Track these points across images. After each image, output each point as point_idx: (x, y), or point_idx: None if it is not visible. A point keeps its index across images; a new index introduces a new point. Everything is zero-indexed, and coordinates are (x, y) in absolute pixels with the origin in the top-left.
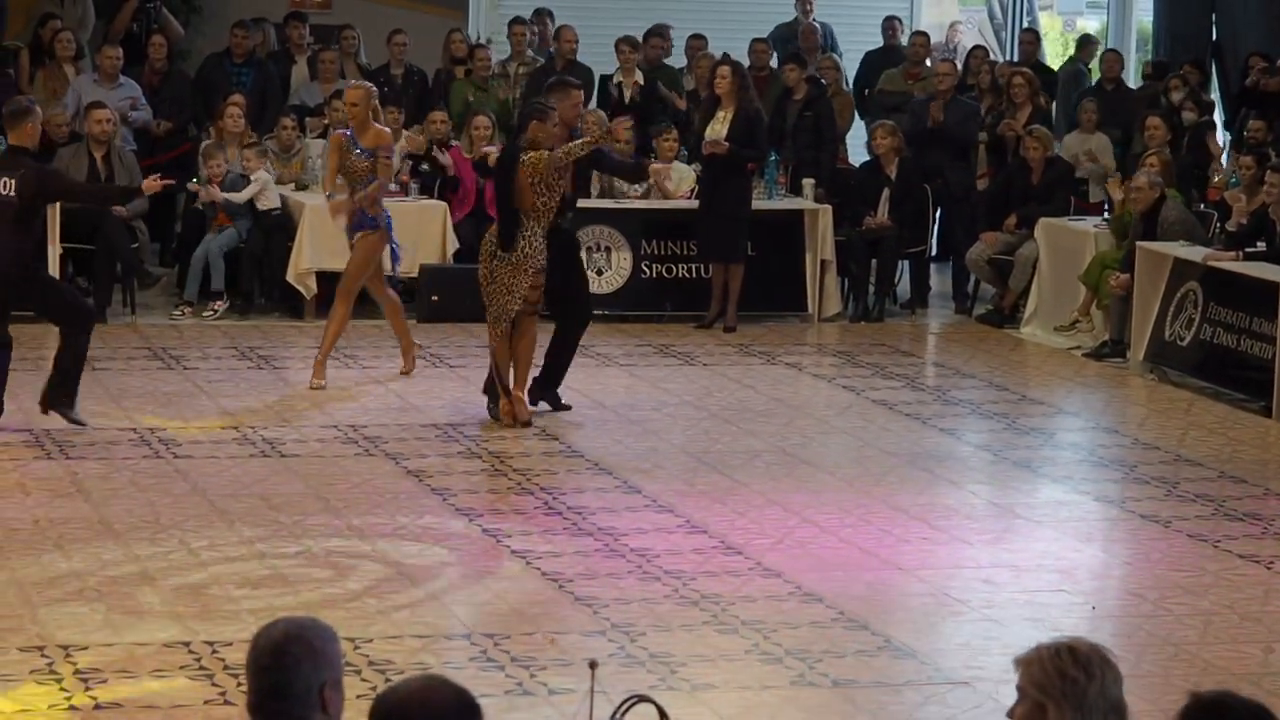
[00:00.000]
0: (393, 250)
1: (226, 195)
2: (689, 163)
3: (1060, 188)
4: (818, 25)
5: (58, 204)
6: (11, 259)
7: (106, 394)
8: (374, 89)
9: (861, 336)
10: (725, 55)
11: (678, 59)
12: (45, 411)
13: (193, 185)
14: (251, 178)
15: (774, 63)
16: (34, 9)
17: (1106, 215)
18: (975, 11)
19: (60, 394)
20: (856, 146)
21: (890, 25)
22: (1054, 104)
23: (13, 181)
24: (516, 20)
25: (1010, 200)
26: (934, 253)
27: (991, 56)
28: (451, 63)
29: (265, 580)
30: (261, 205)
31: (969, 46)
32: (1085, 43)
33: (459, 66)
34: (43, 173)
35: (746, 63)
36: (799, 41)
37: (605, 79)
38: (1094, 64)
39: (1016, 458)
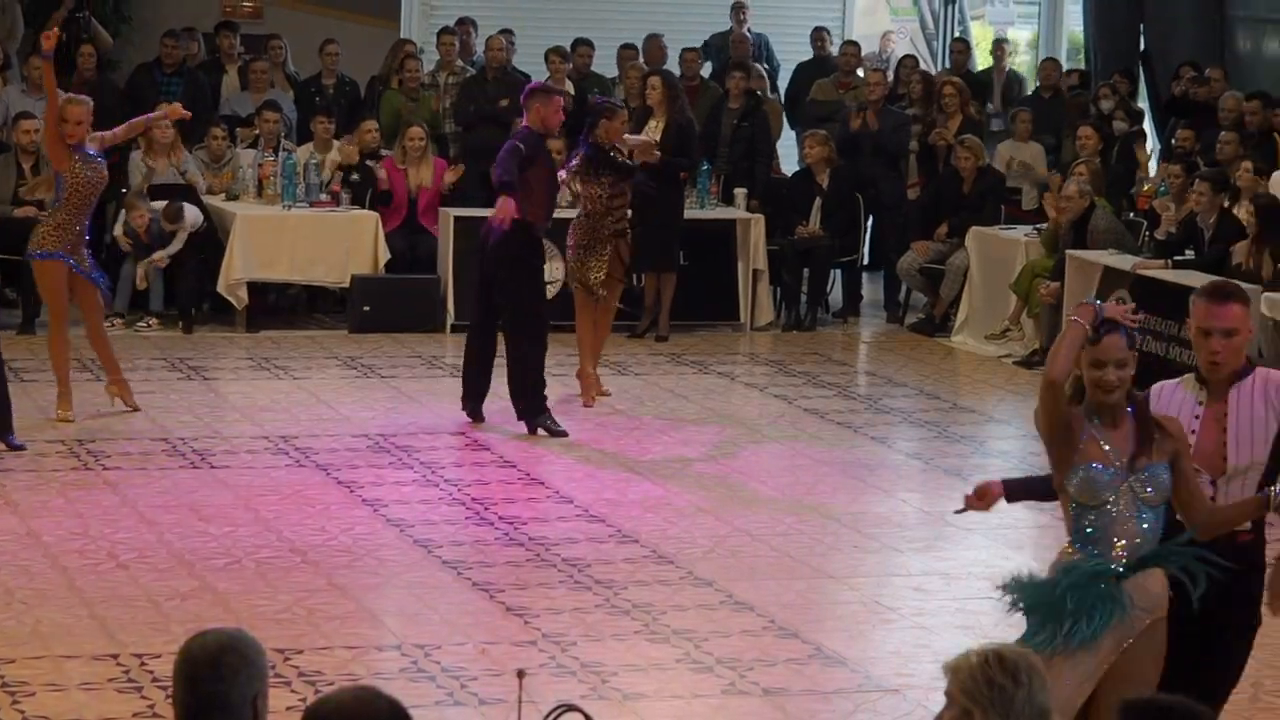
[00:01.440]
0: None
1: (153, 256)
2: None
3: (991, 197)
4: (750, 35)
5: None
6: None
7: (35, 406)
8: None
9: (794, 345)
10: (656, 68)
11: (607, 68)
12: None
13: (119, 239)
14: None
15: (704, 72)
16: None
17: (1038, 227)
18: (907, 21)
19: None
20: (788, 156)
21: (819, 36)
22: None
23: None
24: (445, 30)
25: (941, 209)
26: (866, 262)
27: (923, 66)
28: (394, 73)
29: (195, 592)
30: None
31: (900, 55)
32: (996, 47)
33: (392, 76)
34: None
35: (677, 72)
36: (731, 51)
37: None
38: (1012, 68)
39: (947, 465)
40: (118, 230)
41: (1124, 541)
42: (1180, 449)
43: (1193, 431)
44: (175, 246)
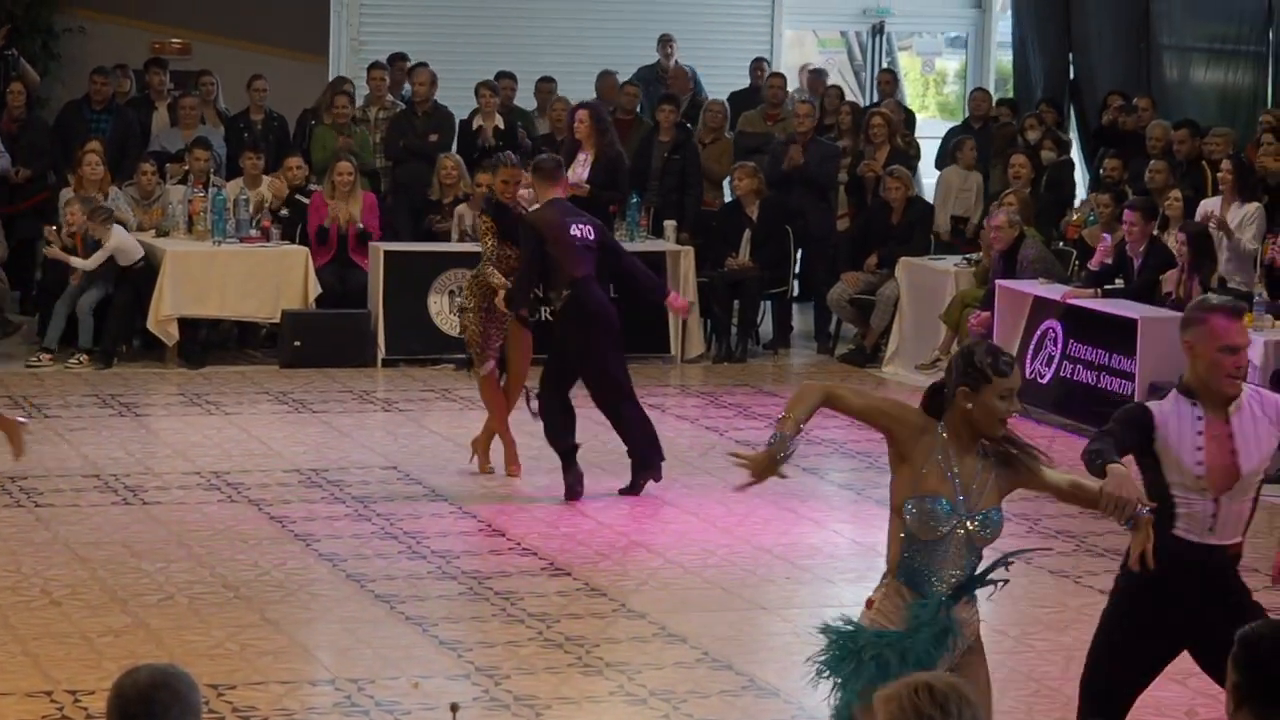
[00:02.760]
0: None
1: (72, 259)
2: None
3: (920, 227)
4: (688, 68)
5: None
6: None
7: None
8: None
9: (724, 377)
10: (584, 102)
11: (528, 101)
12: None
13: (48, 232)
14: (101, 241)
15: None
16: None
17: (968, 256)
18: (835, 53)
19: None
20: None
21: (758, 66)
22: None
23: None
24: (375, 65)
25: (871, 240)
26: (796, 293)
27: (850, 97)
28: (316, 110)
29: (128, 628)
30: (122, 262)
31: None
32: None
33: (324, 113)
34: None
35: (608, 104)
36: (668, 84)
37: (465, 123)
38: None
39: (880, 496)
40: (50, 235)
41: (950, 576)
42: (1032, 467)
43: (1199, 448)
44: (93, 264)
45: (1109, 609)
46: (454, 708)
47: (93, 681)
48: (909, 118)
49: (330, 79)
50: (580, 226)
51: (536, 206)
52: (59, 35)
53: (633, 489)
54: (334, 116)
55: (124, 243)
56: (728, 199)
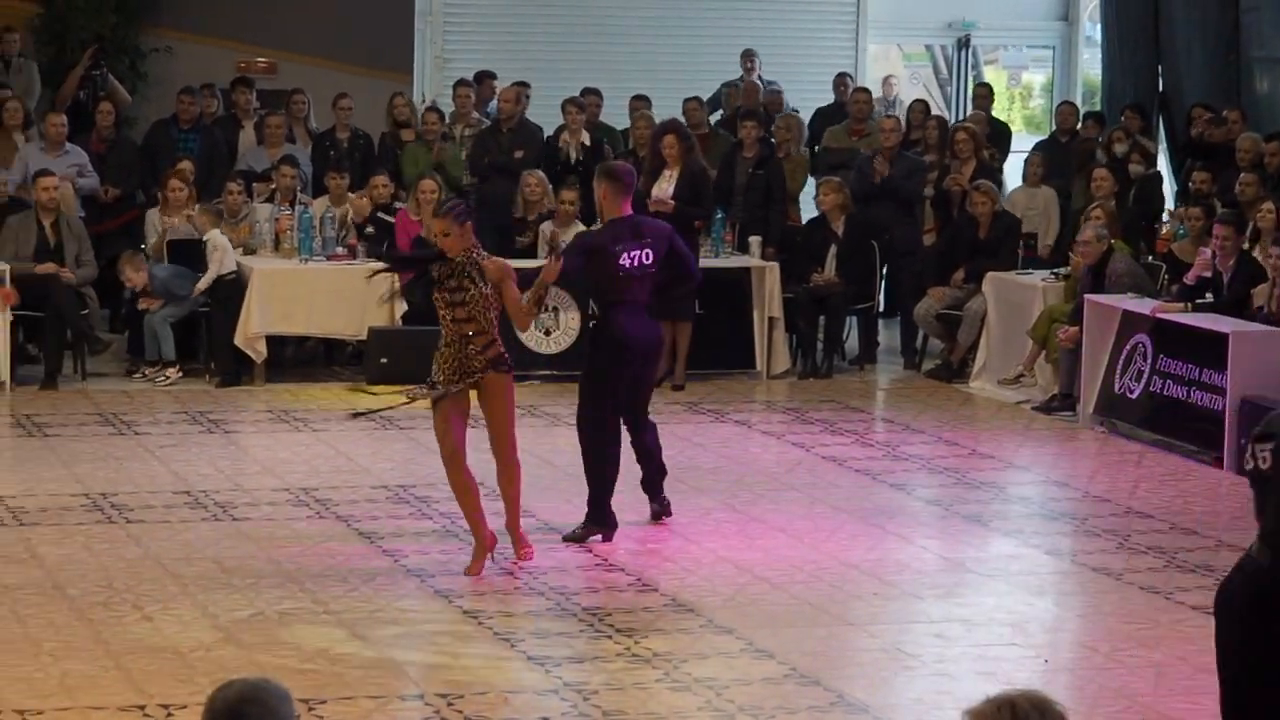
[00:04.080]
0: None
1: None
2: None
3: (1008, 241)
4: (760, 83)
5: (8, 270)
6: None
7: (59, 460)
8: None
9: (810, 393)
10: (667, 123)
11: (616, 119)
12: None
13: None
14: (205, 238)
15: (711, 120)
16: None
17: (1056, 271)
18: (920, 67)
19: None
20: (810, 203)
21: (841, 81)
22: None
23: None
24: (461, 82)
25: (957, 255)
26: (882, 308)
27: (935, 111)
28: (395, 126)
29: (219, 643)
30: (223, 269)
31: (906, 101)
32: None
33: (403, 129)
34: None
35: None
36: (742, 100)
37: (551, 139)
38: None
39: (967, 512)
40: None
41: None
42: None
43: None
44: (205, 284)
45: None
46: None
47: (184, 695)
48: (1003, 132)
49: (417, 97)
50: (633, 254)
51: (597, 226)
52: (146, 55)
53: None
54: (423, 133)
55: (228, 246)
56: (803, 214)
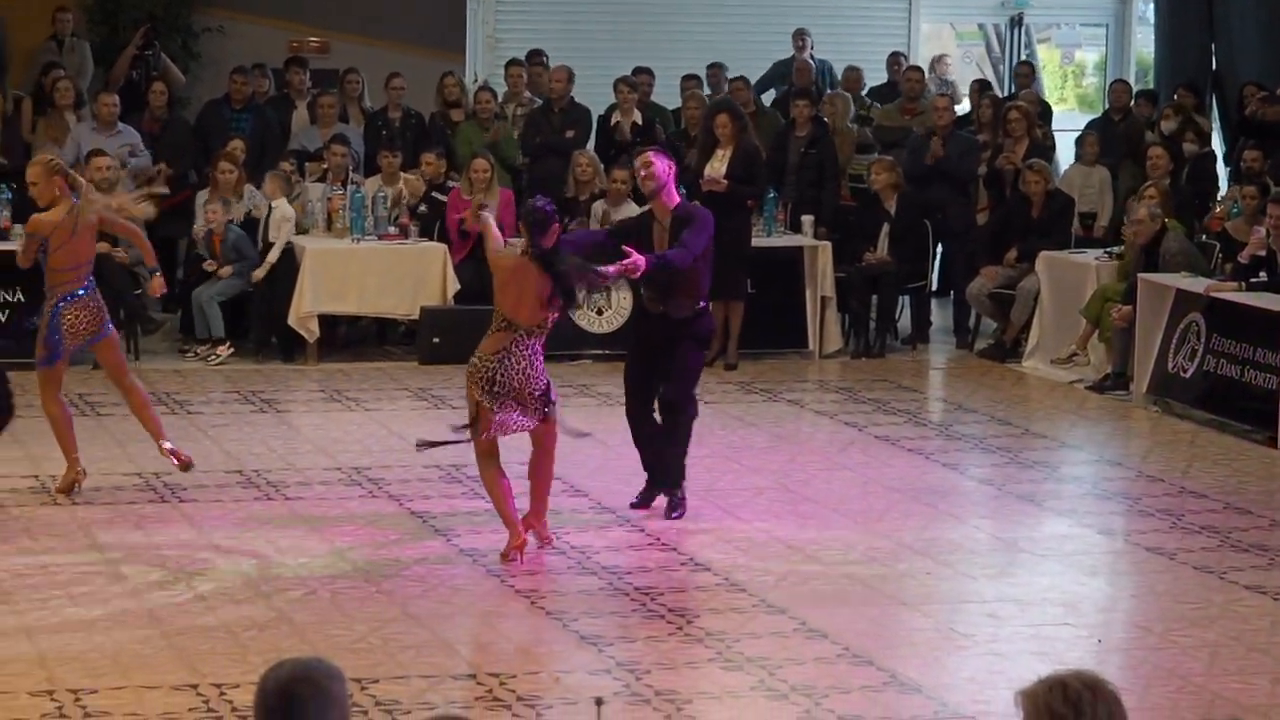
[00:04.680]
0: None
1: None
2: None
3: (1061, 220)
4: (812, 62)
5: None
6: None
7: (112, 439)
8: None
9: (863, 372)
10: (720, 102)
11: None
12: None
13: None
14: (273, 204)
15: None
16: (35, 58)
17: (1110, 250)
18: (973, 45)
19: None
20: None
21: (895, 61)
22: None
23: None
24: (513, 62)
25: (1010, 234)
26: (935, 288)
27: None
28: (445, 105)
29: (271, 622)
30: (283, 238)
31: (953, 79)
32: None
33: (453, 109)
34: None
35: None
36: (794, 79)
37: (604, 118)
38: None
39: (1020, 491)
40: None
41: None
42: None
43: None
44: (274, 257)
45: None
46: (599, 702)
47: (237, 675)
48: (1045, 110)
49: (469, 77)
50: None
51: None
52: (198, 35)
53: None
54: (477, 113)
55: (289, 213)
56: (849, 190)
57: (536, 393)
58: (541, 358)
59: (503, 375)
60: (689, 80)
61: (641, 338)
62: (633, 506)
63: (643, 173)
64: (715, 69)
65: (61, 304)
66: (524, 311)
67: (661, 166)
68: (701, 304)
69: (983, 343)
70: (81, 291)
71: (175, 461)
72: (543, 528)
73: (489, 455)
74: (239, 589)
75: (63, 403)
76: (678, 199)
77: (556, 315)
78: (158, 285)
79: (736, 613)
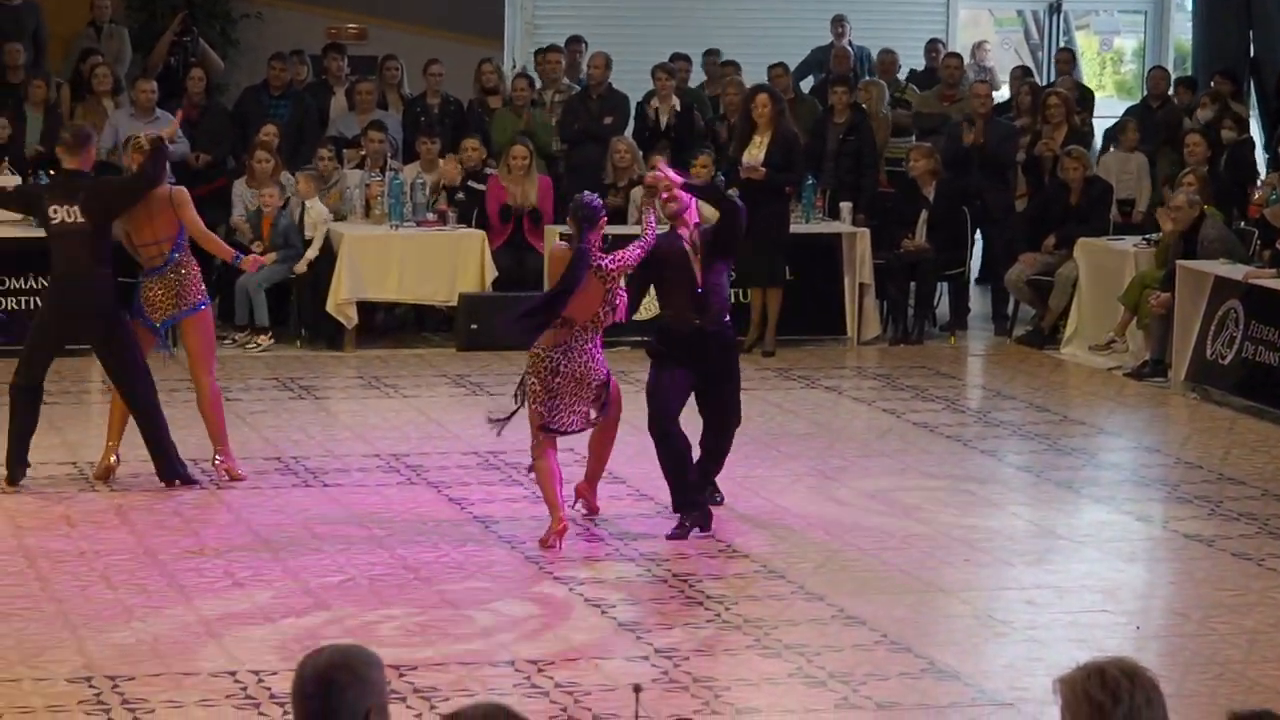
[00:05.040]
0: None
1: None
2: (726, 188)
3: (1099, 207)
4: (850, 49)
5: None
6: (99, 288)
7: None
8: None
9: (901, 359)
10: (759, 85)
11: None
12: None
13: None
14: (306, 203)
15: (803, 87)
16: (73, 45)
17: (1148, 237)
18: (1011, 32)
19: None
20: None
21: (933, 47)
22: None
23: (76, 207)
24: (550, 48)
25: (1049, 220)
26: (977, 275)
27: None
28: (483, 92)
29: (310, 609)
30: (319, 232)
31: (991, 65)
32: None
33: (491, 96)
34: (99, 185)
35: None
36: (833, 65)
37: (641, 105)
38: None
39: (1058, 478)
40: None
41: None
42: None
43: None
44: (314, 253)
45: None
46: (637, 689)
47: (275, 662)
48: (1086, 97)
49: (507, 63)
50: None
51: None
52: (237, 21)
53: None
54: (513, 99)
55: (323, 214)
56: (886, 175)
57: (596, 382)
58: (601, 351)
59: (566, 366)
60: (726, 66)
61: (683, 363)
62: (670, 537)
63: (665, 195)
64: (712, 55)
65: (143, 279)
66: (579, 308)
67: (681, 190)
68: (726, 317)
69: (1021, 329)
70: (164, 267)
71: (226, 475)
72: (593, 496)
73: (547, 443)
74: (277, 575)
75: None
76: (697, 218)
77: (613, 313)
78: (251, 261)
79: (775, 599)
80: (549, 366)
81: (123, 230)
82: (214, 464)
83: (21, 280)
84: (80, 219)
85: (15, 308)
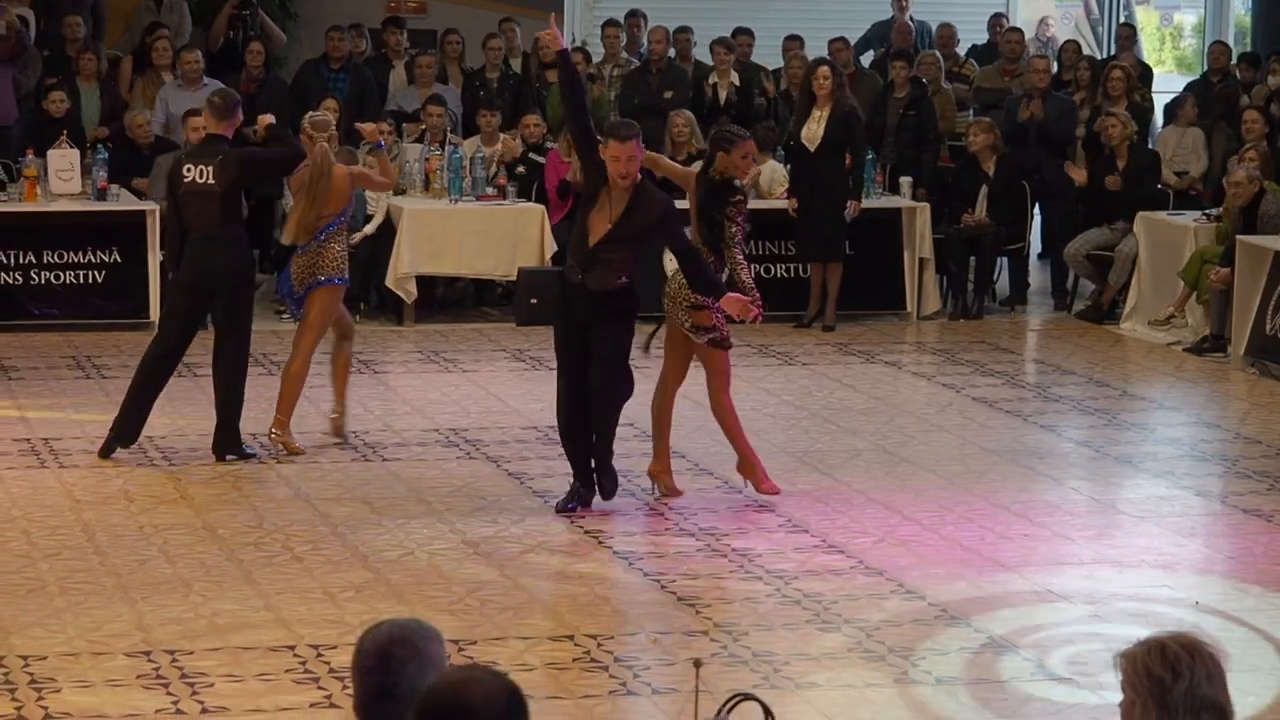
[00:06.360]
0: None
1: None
2: (784, 163)
3: (1148, 174)
4: (912, 24)
5: (158, 211)
6: (230, 244)
7: (207, 400)
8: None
9: (960, 334)
10: (820, 58)
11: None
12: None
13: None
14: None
15: (863, 61)
16: (133, 19)
17: (1208, 212)
18: (1072, 6)
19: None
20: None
21: (996, 22)
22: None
23: (211, 168)
24: (610, 22)
25: (1106, 195)
26: (1039, 250)
27: (1087, 51)
28: (541, 67)
29: (369, 584)
30: (380, 215)
31: (1061, 41)
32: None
33: (549, 70)
34: (241, 154)
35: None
36: (893, 40)
37: (700, 80)
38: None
39: (1118, 453)
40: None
41: None
42: None
43: None
44: (372, 228)
45: None
46: (697, 664)
47: (334, 636)
48: (1146, 73)
49: (566, 37)
50: None
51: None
52: None
53: None
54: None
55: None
56: (946, 152)
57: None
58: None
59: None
60: (790, 41)
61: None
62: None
63: (626, 165)
64: (792, 41)
65: (298, 251)
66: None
67: (639, 162)
68: (623, 279)
69: (1080, 304)
70: (312, 243)
71: (282, 449)
72: (669, 477)
73: (673, 382)
74: (336, 550)
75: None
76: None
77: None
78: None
79: (834, 574)
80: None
81: (307, 200)
82: (270, 436)
83: (80, 254)
84: (210, 180)
85: (73, 281)
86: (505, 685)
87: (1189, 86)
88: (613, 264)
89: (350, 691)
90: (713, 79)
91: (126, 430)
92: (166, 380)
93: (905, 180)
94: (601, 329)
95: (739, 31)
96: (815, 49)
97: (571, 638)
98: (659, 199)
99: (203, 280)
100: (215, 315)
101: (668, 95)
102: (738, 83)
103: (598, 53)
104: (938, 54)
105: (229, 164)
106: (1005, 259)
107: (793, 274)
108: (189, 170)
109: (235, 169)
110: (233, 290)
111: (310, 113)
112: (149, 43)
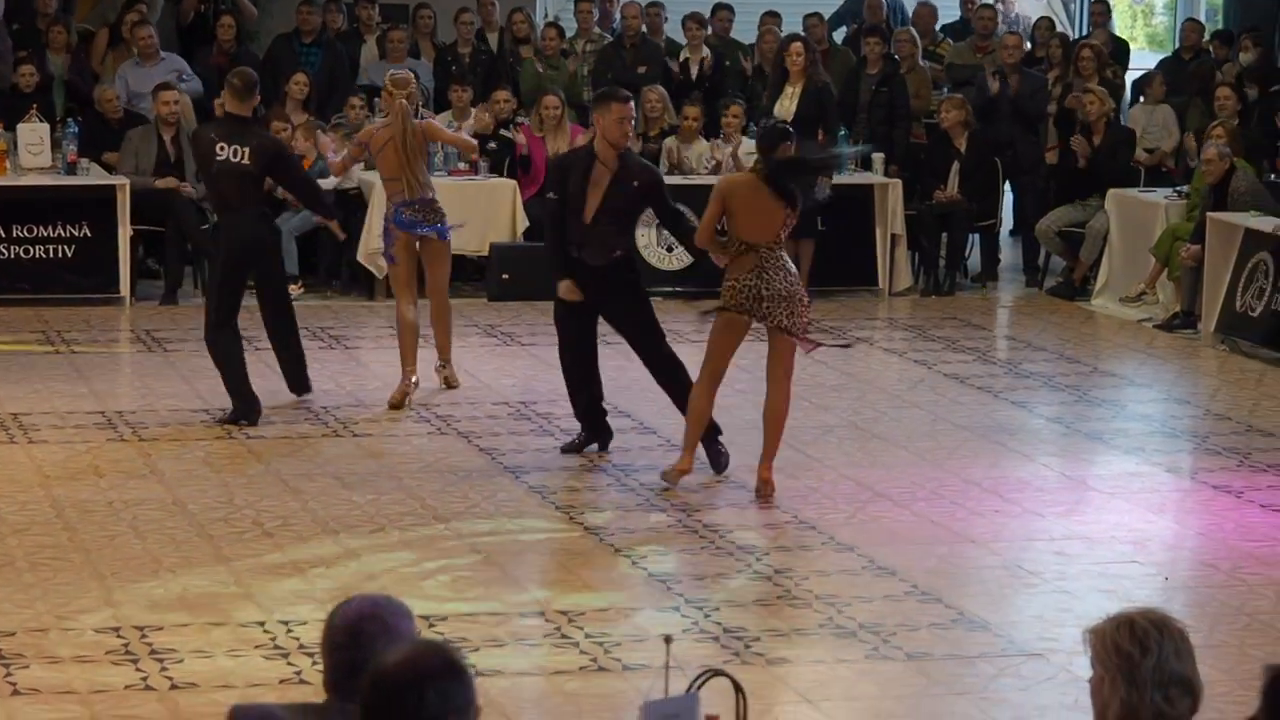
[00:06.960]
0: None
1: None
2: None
3: (1122, 149)
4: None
5: (128, 184)
6: (257, 219)
7: (178, 375)
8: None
9: (932, 310)
10: (793, 34)
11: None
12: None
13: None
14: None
15: (836, 37)
16: None
17: (1179, 189)
18: None
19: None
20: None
21: None
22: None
23: (246, 149)
24: None
25: (1077, 172)
26: (1012, 226)
27: (1059, 29)
28: (514, 42)
29: (339, 559)
30: (344, 185)
31: (1029, 17)
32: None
33: (522, 46)
34: (280, 150)
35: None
36: (865, 15)
37: (673, 55)
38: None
39: (1088, 430)
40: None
41: None
42: None
43: None
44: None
45: None
46: (668, 640)
47: (305, 612)
48: (1122, 49)
49: (539, 13)
50: None
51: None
52: None
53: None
54: (542, 49)
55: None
56: (921, 130)
57: (803, 298)
58: (789, 259)
59: (768, 288)
60: (768, 17)
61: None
62: (564, 450)
63: (629, 125)
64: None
65: (400, 207)
66: (759, 232)
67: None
68: (618, 252)
69: (1052, 281)
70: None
71: (445, 384)
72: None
73: (715, 375)
74: (306, 526)
75: (409, 310)
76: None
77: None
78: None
79: (805, 550)
80: (752, 294)
81: (402, 159)
82: (436, 370)
83: (50, 229)
84: (246, 162)
85: (43, 256)
86: (449, 658)
87: (1160, 64)
88: (608, 235)
89: (320, 667)
90: (684, 54)
91: (248, 409)
92: (242, 341)
93: (877, 156)
94: (617, 309)
95: (719, 7)
96: (792, 25)
97: (542, 614)
98: (645, 166)
99: (241, 251)
100: (256, 279)
101: (641, 70)
102: (710, 58)
103: (570, 27)
104: (913, 31)
105: (266, 156)
106: (977, 235)
107: None
108: (222, 149)
109: (267, 165)
110: (269, 258)
111: (391, 70)
112: (123, 18)
